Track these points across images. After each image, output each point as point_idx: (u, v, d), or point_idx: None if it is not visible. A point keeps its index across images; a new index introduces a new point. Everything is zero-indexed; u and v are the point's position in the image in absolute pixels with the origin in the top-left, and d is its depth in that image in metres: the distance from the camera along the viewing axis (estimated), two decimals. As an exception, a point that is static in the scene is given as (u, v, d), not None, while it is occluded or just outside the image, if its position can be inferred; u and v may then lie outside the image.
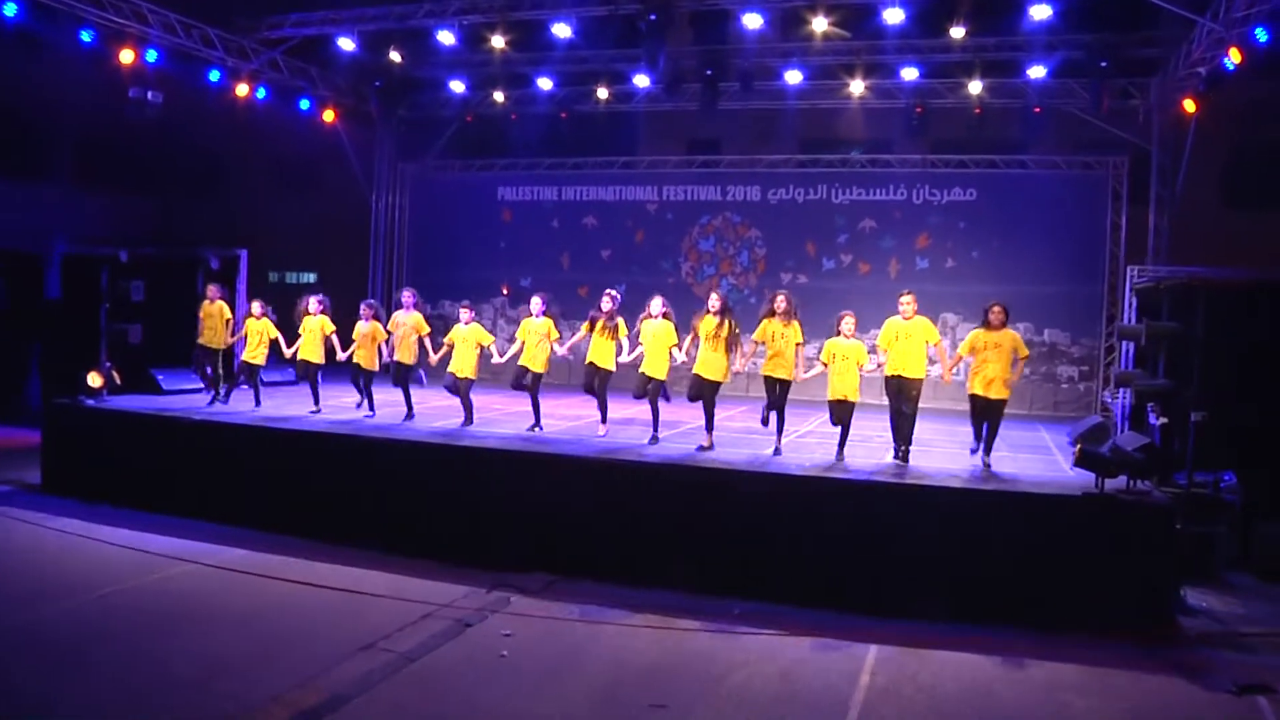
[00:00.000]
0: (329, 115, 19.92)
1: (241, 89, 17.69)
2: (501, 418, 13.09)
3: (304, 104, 19.49)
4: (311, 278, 24.01)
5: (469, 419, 11.77)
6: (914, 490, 8.74)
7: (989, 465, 9.64)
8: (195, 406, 12.81)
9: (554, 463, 9.90)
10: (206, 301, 13.40)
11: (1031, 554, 8.39)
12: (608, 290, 11.23)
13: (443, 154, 21.24)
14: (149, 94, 17.75)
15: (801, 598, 8.67)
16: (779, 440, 10.38)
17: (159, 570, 9.22)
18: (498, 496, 10.00)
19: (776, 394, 10.12)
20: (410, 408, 12.18)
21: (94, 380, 12.71)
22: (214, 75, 17.26)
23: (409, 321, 12.07)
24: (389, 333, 12.15)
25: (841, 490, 8.86)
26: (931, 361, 10.60)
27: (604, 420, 11.29)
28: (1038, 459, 10.96)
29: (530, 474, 9.96)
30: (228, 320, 13.45)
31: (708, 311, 10.28)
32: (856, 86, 17.02)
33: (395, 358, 12.06)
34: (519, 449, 10.28)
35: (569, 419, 13.10)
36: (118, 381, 13.27)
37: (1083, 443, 11.73)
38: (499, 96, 19.03)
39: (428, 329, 12.16)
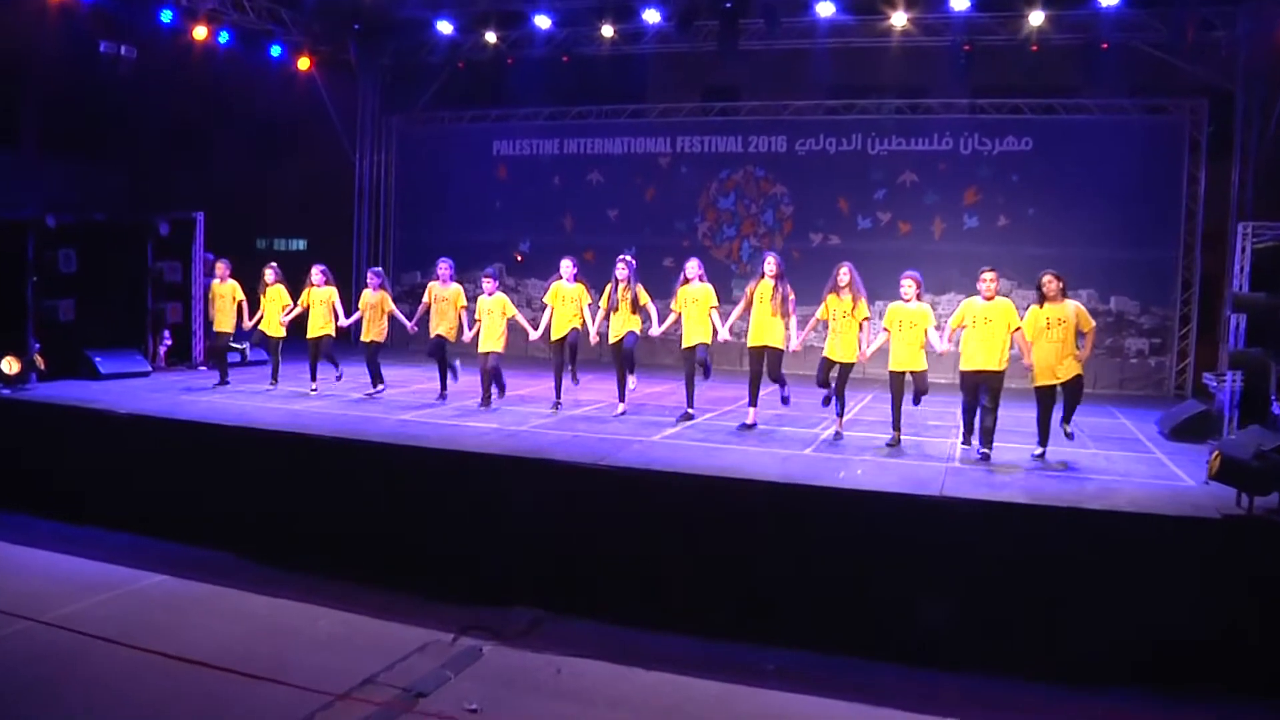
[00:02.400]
0: (304, 63, 17.90)
1: (199, 31, 15.71)
2: (471, 413, 11.17)
3: (275, 50, 17.49)
4: (302, 244, 22.24)
5: (501, 393, 11.07)
6: (1000, 509, 6.77)
7: (1071, 435, 8.56)
8: (135, 393, 11.03)
9: (543, 469, 7.97)
10: (216, 281, 12.52)
11: (1151, 592, 6.44)
12: (621, 256, 10.59)
13: (431, 105, 19.14)
14: (121, 49, 16.29)
15: (856, 646, 6.78)
16: (840, 423, 9.47)
17: (48, 611, 7.35)
18: (474, 509, 8.15)
19: (836, 375, 9.24)
20: (445, 387, 11.56)
21: (9, 366, 10.92)
22: (166, 15, 15.24)
23: (448, 294, 11.33)
24: (427, 304, 11.44)
25: (907, 508, 6.90)
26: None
27: (623, 397, 10.52)
28: (1134, 458, 8.91)
29: (513, 481, 8.05)
30: (240, 301, 12.47)
31: (763, 276, 9.61)
32: (898, 19, 14.82)
33: (436, 332, 11.27)
34: (500, 451, 8.34)
35: (584, 401, 11.33)
36: (41, 366, 11.48)
37: (1181, 437, 9.83)
38: (491, 38, 16.85)
39: (465, 302, 11.43)
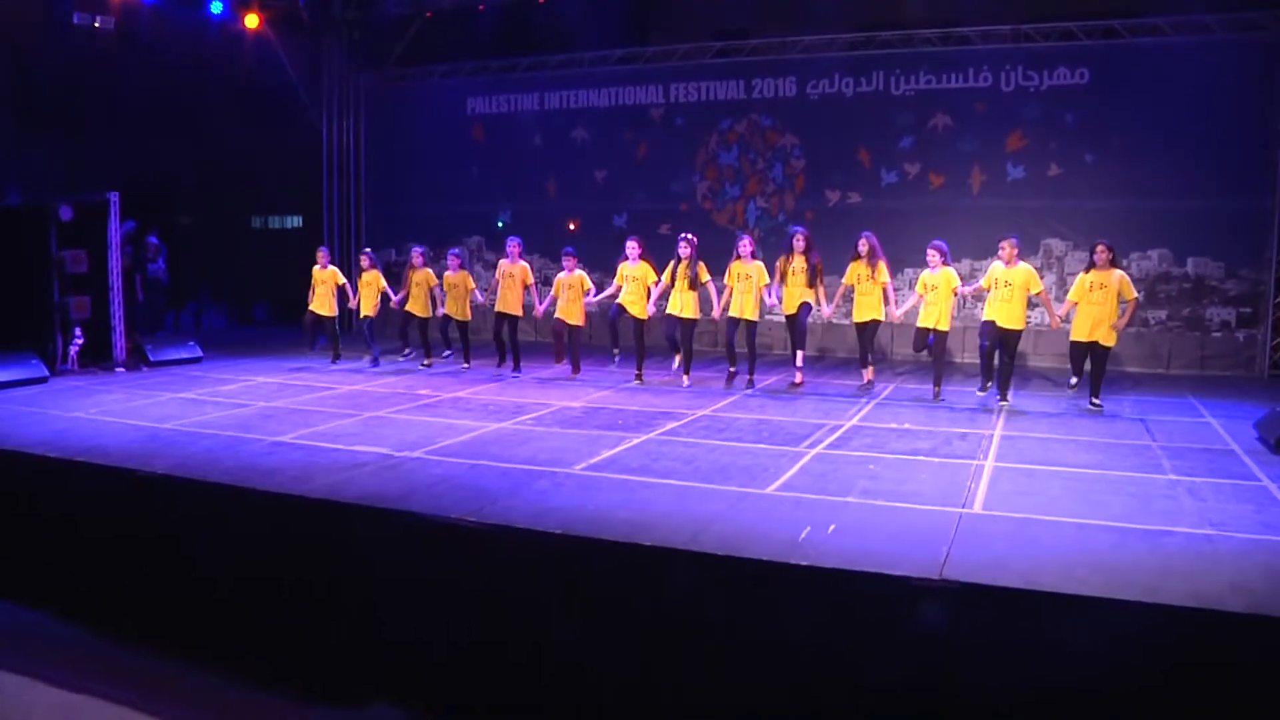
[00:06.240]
0: (251, 20, 15.96)
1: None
2: (377, 425, 9.12)
3: (216, 6, 15.55)
4: (298, 221, 20.51)
5: (576, 368, 11.58)
6: (1029, 603, 4.42)
7: (1098, 406, 9.33)
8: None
9: (400, 524, 5.84)
10: (317, 268, 12.96)
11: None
12: (683, 235, 10.80)
13: (401, 62, 17.05)
14: (97, 20, 14.94)
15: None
16: (870, 374, 10.71)
17: None
18: (317, 574, 6.07)
19: (866, 335, 10.47)
20: (517, 363, 11.93)
21: None
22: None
23: (516, 271, 11.76)
24: (498, 280, 11.95)
25: (887, 596, 4.61)
26: (1033, 305, 10.31)
27: (687, 371, 10.95)
28: (1231, 489, 6.31)
29: (366, 540, 5.97)
30: (342, 285, 12.94)
31: (793, 252, 10.38)
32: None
33: (500, 309, 11.81)
34: (354, 497, 6.19)
35: (527, 406, 9.11)
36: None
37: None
38: (454, -21, 14.70)
39: (532, 279, 11.94)
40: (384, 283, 12.74)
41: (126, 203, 12.92)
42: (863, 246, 10.22)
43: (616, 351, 11.36)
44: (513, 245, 11.95)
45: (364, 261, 12.95)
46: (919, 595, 4.45)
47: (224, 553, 6.43)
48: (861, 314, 10.34)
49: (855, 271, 10.29)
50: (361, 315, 12.91)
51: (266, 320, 19.62)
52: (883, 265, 10.20)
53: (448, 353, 12.73)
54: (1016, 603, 4.39)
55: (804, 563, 4.74)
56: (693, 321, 10.76)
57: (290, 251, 16.70)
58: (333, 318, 13.00)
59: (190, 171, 18.62)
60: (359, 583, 5.92)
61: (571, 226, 15.65)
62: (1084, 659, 4.26)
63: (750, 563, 4.79)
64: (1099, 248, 9.34)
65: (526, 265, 11.93)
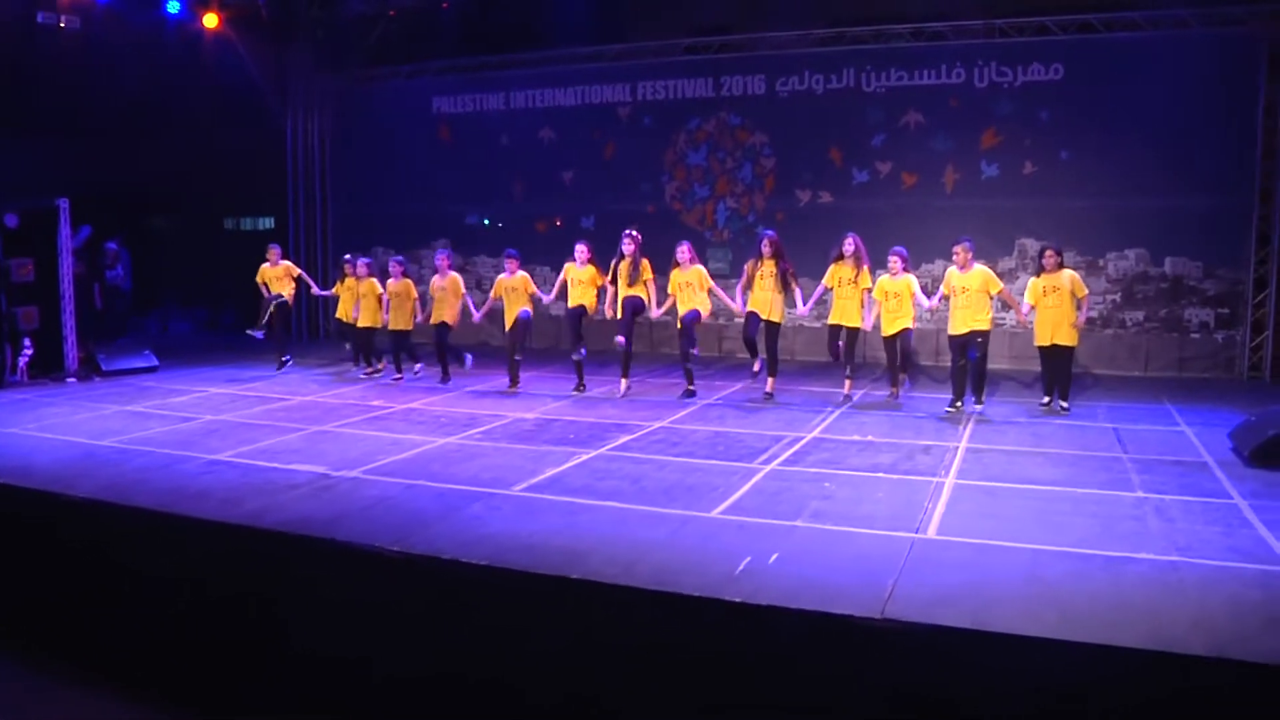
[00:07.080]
0: (210, 20, 15.59)
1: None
2: (321, 441, 8.79)
3: (173, 6, 15.17)
4: (270, 223, 20.14)
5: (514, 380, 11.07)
6: (973, 643, 4.12)
7: (1066, 409, 9.33)
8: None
9: (323, 553, 5.52)
10: (267, 265, 13.07)
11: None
12: (627, 231, 10.27)
13: (368, 62, 16.66)
14: (62, 19, 14.69)
15: None
16: (851, 385, 10.26)
17: None
18: (250, 596, 5.75)
19: (843, 339, 9.99)
20: (461, 361, 11.56)
21: None
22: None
23: (448, 285, 11.45)
24: (432, 297, 11.63)
25: (822, 637, 4.30)
26: (1006, 307, 10.82)
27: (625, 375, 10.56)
28: (1200, 508, 5.98)
29: (286, 571, 5.64)
30: (298, 275, 13.30)
31: (762, 256, 9.95)
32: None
33: (435, 320, 11.45)
34: (276, 523, 5.86)
35: (483, 418, 8.76)
36: None
37: (1269, 461, 7.08)
38: (415, -23, 14.34)
39: (464, 290, 11.58)
40: (380, 290, 12.06)
41: (94, 207, 12.58)
42: (848, 246, 9.83)
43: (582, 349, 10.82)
44: (441, 259, 11.64)
45: (361, 270, 12.34)
46: (856, 636, 4.14)
47: (149, 580, 6.11)
48: (844, 318, 9.91)
49: (838, 274, 9.88)
50: (362, 325, 12.31)
51: (234, 325, 19.22)
52: (866, 270, 9.85)
53: (419, 367, 12.23)
54: (960, 645, 4.07)
55: (738, 599, 4.43)
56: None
57: (262, 253, 16.45)
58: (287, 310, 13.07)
59: (160, 174, 18.23)
60: (286, 610, 5.60)
61: (558, 223, 15.27)
62: (1031, 702, 3.96)
63: (680, 599, 4.47)
64: (1047, 252, 9.42)
65: (458, 277, 11.58)
